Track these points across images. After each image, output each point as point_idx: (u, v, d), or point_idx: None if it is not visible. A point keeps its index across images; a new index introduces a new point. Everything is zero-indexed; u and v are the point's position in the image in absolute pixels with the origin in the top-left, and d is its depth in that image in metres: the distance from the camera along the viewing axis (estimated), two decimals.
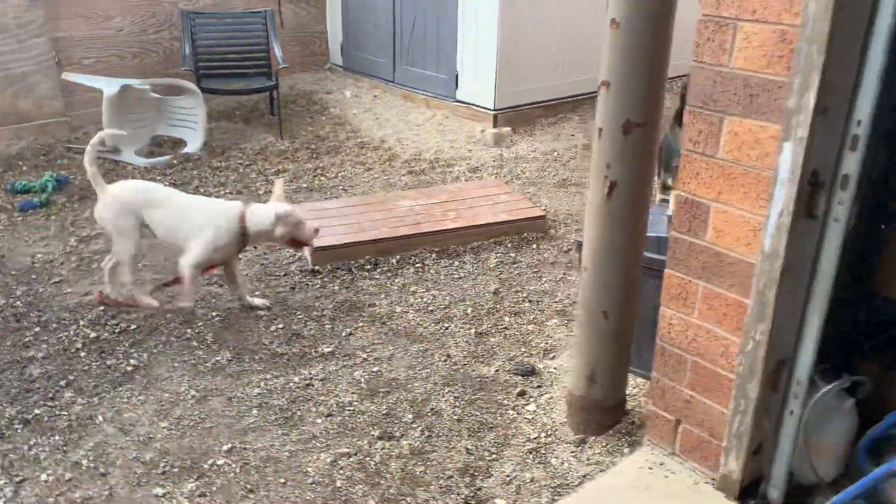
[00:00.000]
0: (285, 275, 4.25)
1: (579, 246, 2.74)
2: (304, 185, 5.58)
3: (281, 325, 3.71)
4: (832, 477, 2.31)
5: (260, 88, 6.61)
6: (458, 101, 6.90)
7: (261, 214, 3.62)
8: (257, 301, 3.88)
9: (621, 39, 2.24)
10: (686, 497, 2.34)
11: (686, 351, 2.34)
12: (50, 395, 3.17)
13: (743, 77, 1.97)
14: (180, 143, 6.21)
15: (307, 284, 4.13)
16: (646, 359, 2.96)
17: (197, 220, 3.62)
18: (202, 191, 5.39)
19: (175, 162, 5.86)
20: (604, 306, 2.58)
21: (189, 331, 3.65)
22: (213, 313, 3.82)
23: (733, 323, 2.18)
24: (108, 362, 3.39)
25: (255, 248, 4.40)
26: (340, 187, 5.56)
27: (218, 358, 3.43)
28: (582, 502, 2.35)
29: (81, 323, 3.69)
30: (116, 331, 3.64)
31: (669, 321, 2.36)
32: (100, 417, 3.02)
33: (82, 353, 3.45)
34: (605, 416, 2.78)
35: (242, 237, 3.64)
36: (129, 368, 3.35)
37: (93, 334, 3.59)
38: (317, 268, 4.28)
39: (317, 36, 8.22)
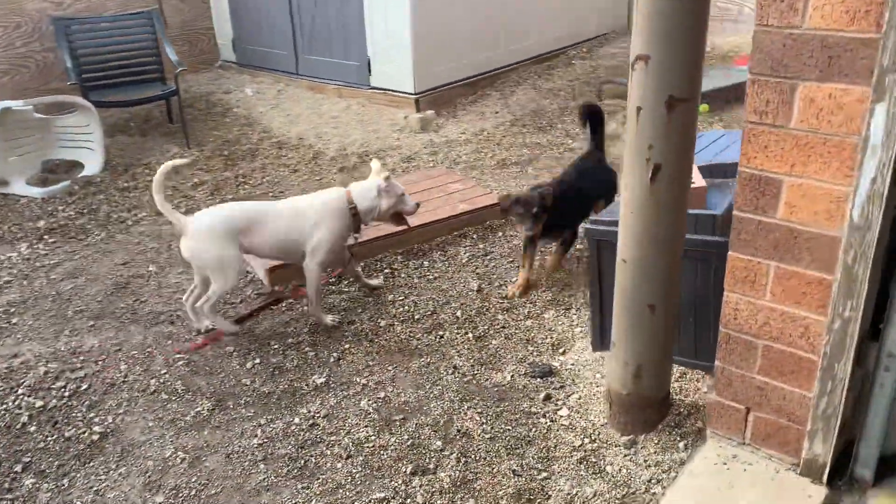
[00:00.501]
0: (241, 301, 3.83)
1: None
2: (230, 197, 5.11)
3: (258, 360, 3.32)
4: None
5: (160, 96, 6.01)
6: (373, 88, 6.55)
7: (366, 189, 3.50)
8: (374, 281, 3.80)
9: (666, 7, 2.02)
10: (772, 488, 2.21)
11: (756, 336, 2.19)
12: (5, 485, 2.68)
13: (820, 37, 1.80)
14: (76, 165, 5.55)
15: (271, 309, 3.74)
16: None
17: (309, 217, 3.42)
18: (114, 217, 4.83)
19: (76, 188, 5.23)
20: (650, 299, 2.39)
21: (153, 381, 3.21)
22: (175, 356, 3.38)
23: (814, 302, 2.03)
24: (67, 434, 2.92)
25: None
26: (270, 195, 5.13)
27: (198, 409, 3.02)
28: None
29: (20, 391, 3.16)
30: (66, 394, 3.15)
31: (735, 307, 2.20)
32: (78, 503, 2.58)
33: (31, 428, 2.95)
34: (654, 411, 2.62)
35: (355, 218, 3.50)
36: (95, 437, 2.89)
37: (38, 403, 3.09)
38: (276, 288, 3.88)
39: (203, 33, 7.61)
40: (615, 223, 2.84)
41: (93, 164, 5.48)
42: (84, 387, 3.20)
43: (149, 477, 2.68)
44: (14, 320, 3.71)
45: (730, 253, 2.16)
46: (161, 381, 3.22)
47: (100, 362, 3.37)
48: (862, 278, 1.92)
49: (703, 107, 6.05)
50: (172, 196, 5.14)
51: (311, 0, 6.71)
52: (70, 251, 4.40)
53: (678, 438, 2.60)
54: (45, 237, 4.56)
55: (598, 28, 8.21)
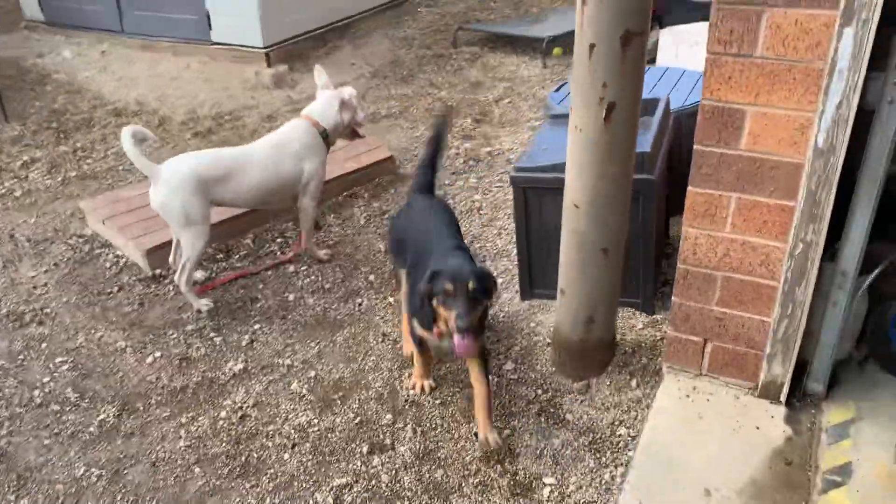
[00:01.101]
0: (120, 289, 3.40)
1: None
2: (73, 175, 4.52)
3: (158, 354, 2.96)
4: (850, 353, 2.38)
5: None
6: (215, 44, 6.02)
7: (327, 107, 3.34)
8: (321, 253, 3.49)
9: None
10: (736, 413, 2.27)
11: (716, 269, 2.21)
12: None
13: None
14: None
15: (157, 295, 3.35)
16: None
17: (292, 153, 3.21)
18: None
19: None
20: (603, 244, 2.34)
21: (36, 393, 2.77)
22: (58, 360, 2.94)
23: (775, 229, 2.08)
24: None
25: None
26: (121, 168, 4.59)
27: (101, 416, 2.65)
28: (652, 456, 2.17)
29: None
30: None
31: (695, 242, 2.20)
32: None
33: None
34: (604, 354, 2.61)
35: (326, 141, 3.34)
36: None
37: None
38: (158, 272, 3.48)
39: None
40: (540, 169, 2.78)
41: None
42: None
43: (62, 502, 2.31)
44: None
45: (689, 189, 2.14)
46: (46, 390, 2.78)
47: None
48: (825, 202, 1.97)
49: (557, 50, 6.12)
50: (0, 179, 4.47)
51: None
52: None
53: (628, 377, 2.62)
54: None
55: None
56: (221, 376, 2.82)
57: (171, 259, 3.35)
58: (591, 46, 2.08)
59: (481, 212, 3.86)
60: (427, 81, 5.79)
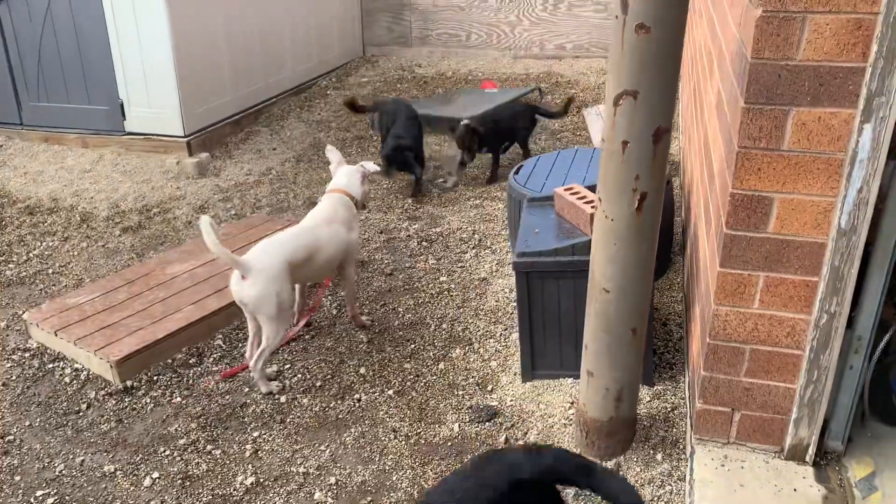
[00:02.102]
0: (89, 406, 3.14)
1: None
2: None
3: (155, 475, 2.75)
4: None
5: None
6: (130, 134, 5.80)
7: (353, 180, 3.54)
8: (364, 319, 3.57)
9: (653, 45, 2.08)
10: (771, 477, 2.40)
11: (745, 342, 2.36)
12: None
13: (813, 68, 1.99)
14: None
15: (133, 409, 3.12)
16: (567, 358, 3.04)
17: (343, 225, 3.37)
18: None
19: None
20: (633, 324, 2.45)
21: None
22: (38, 493, 2.66)
23: (800, 303, 2.25)
24: None
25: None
26: (50, 272, 4.29)
27: None
28: None
29: None
30: None
31: (725, 318, 2.35)
32: None
33: None
34: (629, 431, 2.69)
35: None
36: None
37: None
38: (129, 383, 3.25)
39: None
40: (541, 254, 2.88)
41: None
42: None
43: None
44: None
45: (719, 270, 2.29)
46: None
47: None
48: (847, 276, 2.17)
49: None
50: None
51: (33, 36, 5.72)
52: None
53: (651, 451, 2.70)
54: None
55: (342, 58, 8.20)
56: (234, 493, 2.65)
57: (247, 352, 3.22)
58: (625, 143, 2.22)
59: (451, 293, 3.90)
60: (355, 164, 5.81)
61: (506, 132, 5.38)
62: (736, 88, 2.26)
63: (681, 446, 2.72)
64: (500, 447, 2.77)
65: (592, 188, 3.21)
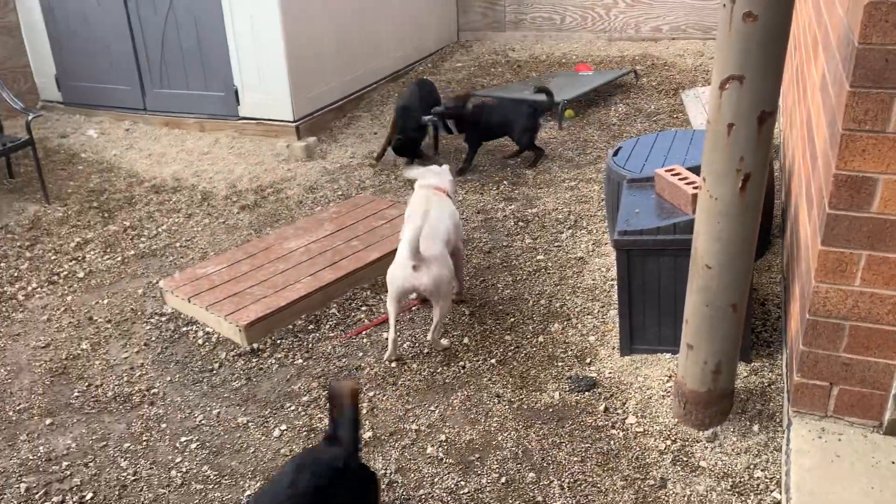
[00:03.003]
0: (221, 366, 3.47)
1: None
2: (131, 254, 4.58)
3: (283, 427, 3.05)
4: None
5: (11, 148, 5.17)
6: (243, 119, 6.18)
7: (446, 179, 3.81)
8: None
9: (759, 33, 2.18)
10: (869, 450, 2.47)
11: (845, 318, 2.44)
12: None
13: None
14: None
15: (261, 369, 3.43)
16: (665, 334, 3.15)
17: (454, 212, 3.67)
18: None
19: None
20: (733, 300, 2.56)
21: (173, 473, 2.82)
22: (182, 439, 2.99)
23: None
24: None
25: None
26: (178, 245, 4.68)
27: (249, 492, 2.71)
28: (807, 494, 2.35)
29: None
30: None
31: (825, 295, 2.43)
32: None
33: None
34: (727, 403, 2.80)
35: None
36: None
37: None
38: (255, 346, 3.57)
39: (19, 72, 6.70)
40: (643, 232, 3.00)
41: None
42: (89, 496, 2.73)
43: None
44: None
45: (821, 248, 2.38)
46: (183, 470, 2.84)
47: (90, 464, 2.90)
48: None
49: (569, 112, 6.45)
50: (56, 261, 4.51)
51: (157, 28, 6.16)
52: None
53: (748, 423, 2.81)
54: None
55: (437, 43, 8.41)
56: None
57: (390, 341, 3.40)
58: (730, 125, 2.32)
59: (549, 271, 4.06)
60: (451, 145, 6.02)
61: (497, 127, 5.46)
62: (841, 71, 2.33)
63: (777, 419, 2.81)
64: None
65: (693, 169, 3.32)
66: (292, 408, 3.15)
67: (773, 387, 2.95)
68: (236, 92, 6.09)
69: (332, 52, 6.35)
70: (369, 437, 2.94)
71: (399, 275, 3.25)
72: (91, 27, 6.38)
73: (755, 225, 2.49)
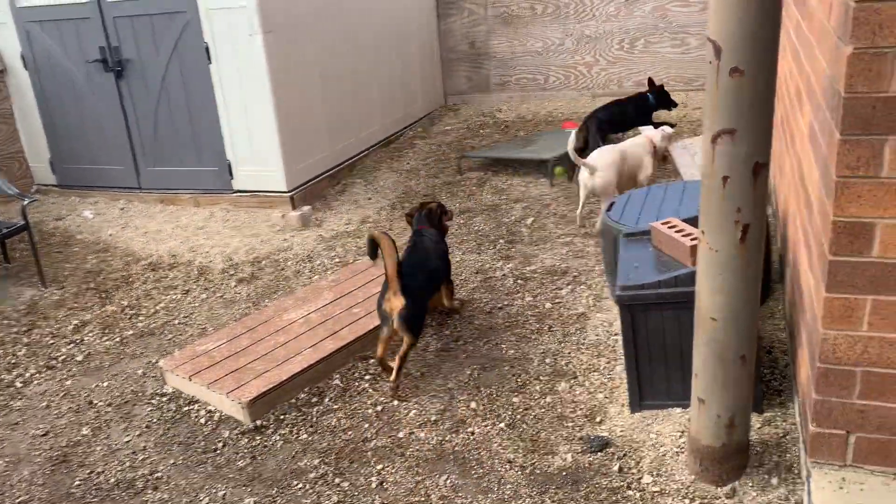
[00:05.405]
0: (224, 445, 3.41)
1: None
2: (130, 333, 4.55)
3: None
4: None
5: (6, 233, 5.18)
6: (238, 192, 6.22)
7: (658, 134, 5.38)
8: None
9: (747, 87, 2.22)
10: (892, 499, 2.42)
11: (855, 365, 2.41)
12: None
13: None
14: None
15: (265, 447, 3.37)
16: (674, 388, 3.12)
17: (639, 154, 5.30)
18: None
19: None
20: (742, 351, 2.54)
21: None
22: None
23: None
24: None
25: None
26: (176, 322, 4.64)
27: None
28: None
29: None
30: None
31: (834, 342, 2.41)
32: None
33: None
34: (743, 456, 2.75)
35: (654, 155, 5.31)
36: None
37: None
38: (258, 423, 3.51)
39: (14, 157, 6.76)
40: (644, 286, 3.00)
41: None
42: None
43: None
44: None
45: (826, 295, 2.37)
46: None
47: None
48: None
49: (559, 170, 6.51)
50: (54, 345, 4.46)
51: (149, 108, 6.25)
52: None
53: (766, 476, 2.75)
54: None
55: (425, 108, 8.55)
56: None
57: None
58: (725, 178, 2.34)
59: (552, 329, 4.03)
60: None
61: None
62: (830, 120, 2.36)
63: (795, 471, 2.76)
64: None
65: (689, 221, 3.34)
66: (299, 485, 3.08)
67: (788, 437, 2.91)
68: (229, 166, 6.14)
69: (323, 122, 6.44)
70: None
71: (581, 178, 5.01)
72: (84, 110, 6.47)
73: (758, 274, 2.49)
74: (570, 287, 4.46)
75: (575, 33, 8.50)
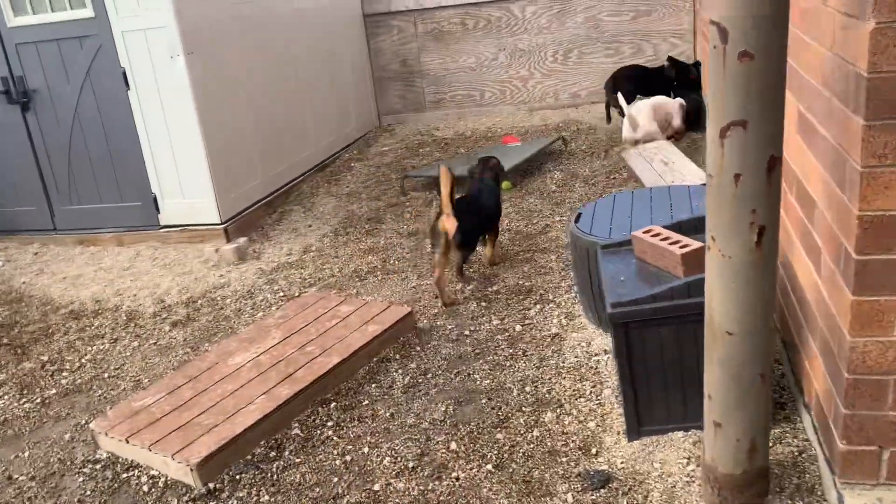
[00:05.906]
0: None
1: None
2: (53, 393, 4.04)
3: None
4: None
5: None
6: (165, 227, 5.74)
7: (667, 101, 6.60)
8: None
9: (758, 73, 1.98)
10: None
11: (887, 373, 2.20)
12: None
13: None
14: None
15: None
16: (675, 410, 2.89)
17: (669, 106, 6.60)
18: None
19: None
20: (761, 369, 2.29)
21: None
22: None
23: None
24: None
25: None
26: (106, 376, 4.15)
27: None
28: None
29: None
30: None
31: (863, 350, 2.19)
32: None
33: None
34: (764, 483, 2.50)
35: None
36: None
37: None
38: (211, 486, 3.08)
39: None
40: (638, 301, 2.74)
41: None
42: None
43: None
44: None
45: (852, 299, 2.15)
46: None
47: None
48: None
49: (506, 184, 6.27)
50: None
51: (62, 139, 5.72)
52: None
53: (790, 501, 2.51)
54: None
55: (359, 129, 8.23)
56: None
57: None
58: (737, 176, 2.10)
59: (526, 354, 3.74)
60: (393, 231, 5.73)
61: None
62: (842, 108, 2.15)
63: (818, 492, 2.53)
64: None
65: (670, 228, 3.11)
66: None
67: (803, 455, 2.68)
68: (155, 200, 5.67)
69: (255, 147, 6.04)
70: None
71: (623, 133, 6.40)
72: None
73: (775, 281, 2.26)
74: (538, 307, 4.18)
75: (508, 47, 8.34)
